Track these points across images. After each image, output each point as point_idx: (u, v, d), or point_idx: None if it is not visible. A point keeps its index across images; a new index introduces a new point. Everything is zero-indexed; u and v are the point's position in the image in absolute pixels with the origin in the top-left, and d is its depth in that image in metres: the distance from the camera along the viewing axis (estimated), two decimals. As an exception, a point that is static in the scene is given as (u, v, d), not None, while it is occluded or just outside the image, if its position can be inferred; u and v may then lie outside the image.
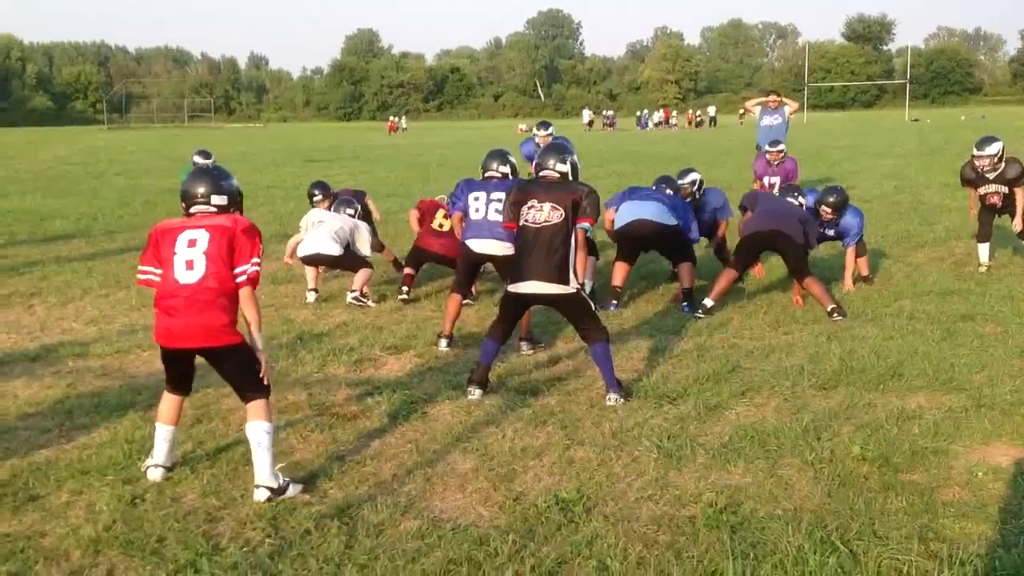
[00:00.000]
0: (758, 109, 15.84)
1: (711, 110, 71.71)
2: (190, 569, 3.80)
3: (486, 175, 7.42)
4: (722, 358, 6.72)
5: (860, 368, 6.29)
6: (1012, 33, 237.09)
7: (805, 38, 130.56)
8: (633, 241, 8.77)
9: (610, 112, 75.54)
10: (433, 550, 3.91)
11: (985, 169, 9.36)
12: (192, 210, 4.72)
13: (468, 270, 7.53)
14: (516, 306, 6.22)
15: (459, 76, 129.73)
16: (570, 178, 6.14)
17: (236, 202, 4.83)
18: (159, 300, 4.65)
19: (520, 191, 6.18)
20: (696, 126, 65.33)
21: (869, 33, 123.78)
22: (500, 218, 6.69)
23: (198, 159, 10.35)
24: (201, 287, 4.50)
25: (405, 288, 9.02)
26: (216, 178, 4.82)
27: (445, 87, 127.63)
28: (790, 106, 15.96)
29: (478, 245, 7.22)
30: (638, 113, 72.28)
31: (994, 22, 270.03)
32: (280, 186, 22.04)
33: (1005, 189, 9.39)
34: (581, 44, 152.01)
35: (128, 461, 4.93)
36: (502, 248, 6.90)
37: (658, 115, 70.90)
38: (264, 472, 4.54)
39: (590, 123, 68.88)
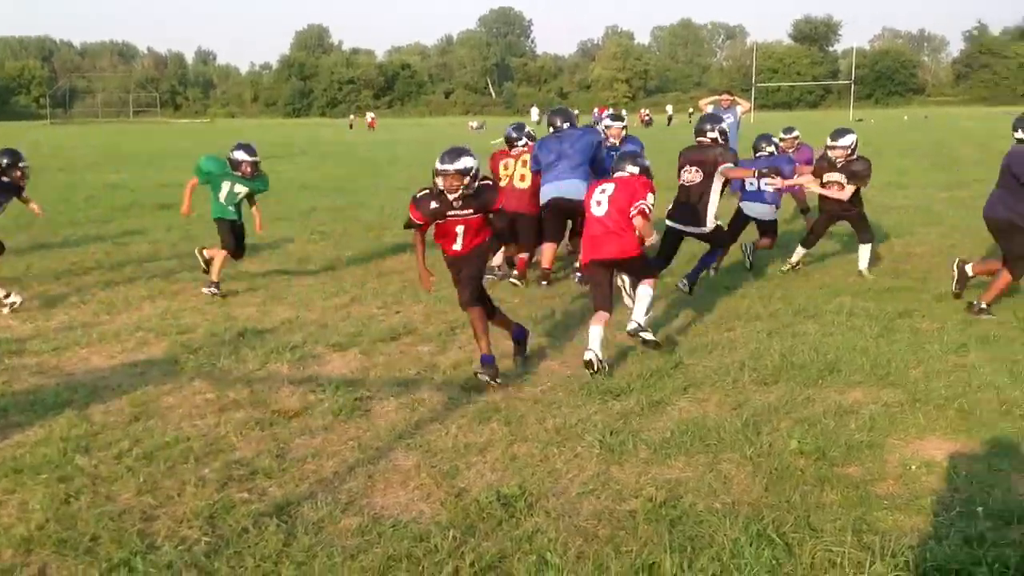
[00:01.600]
0: (711, 108, 16.00)
1: (669, 109, 72.18)
2: (124, 568, 3.75)
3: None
4: (666, 354, 6.77)
5: (800, 364, 6.37)
6: (956, 35, 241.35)
7: (753, 39, 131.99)
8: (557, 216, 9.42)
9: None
10: (373, 547, 3.90)
11: (838, 160, 9.41)
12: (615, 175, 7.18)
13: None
14: (672, 240, 8.60)
15: (410, 73, 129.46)
16: (719, 142, 8.45)
17: (647, 173, 7.16)
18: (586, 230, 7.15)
19: (681, 155, 8.62)
20: (646, 125, 65.60)
21: (815, 34, 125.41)
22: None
23: (240, 154, 9.14)
24: (604, 219, 6.83)
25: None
26: (634, 156, 7.38)
27: (396, 84, 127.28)
28: (742, 106, 16.15)
29: None
30: (596, 110, 72.59)
31: (938, 23, 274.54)
32: (227, 182, 21.80)
33: (844, 180, 9.41)
34: (532, 42, 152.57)
35: (63, 459, 4.85)
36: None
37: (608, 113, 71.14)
38: (639, 314, 6.82)
39: (539, 121, 68.97)
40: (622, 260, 6.94)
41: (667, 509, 4.21)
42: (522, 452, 4.98)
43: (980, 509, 4.06)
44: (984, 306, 7.75)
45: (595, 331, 6.49)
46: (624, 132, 10.92)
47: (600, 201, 6.91)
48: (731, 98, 16.01)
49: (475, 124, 67.85)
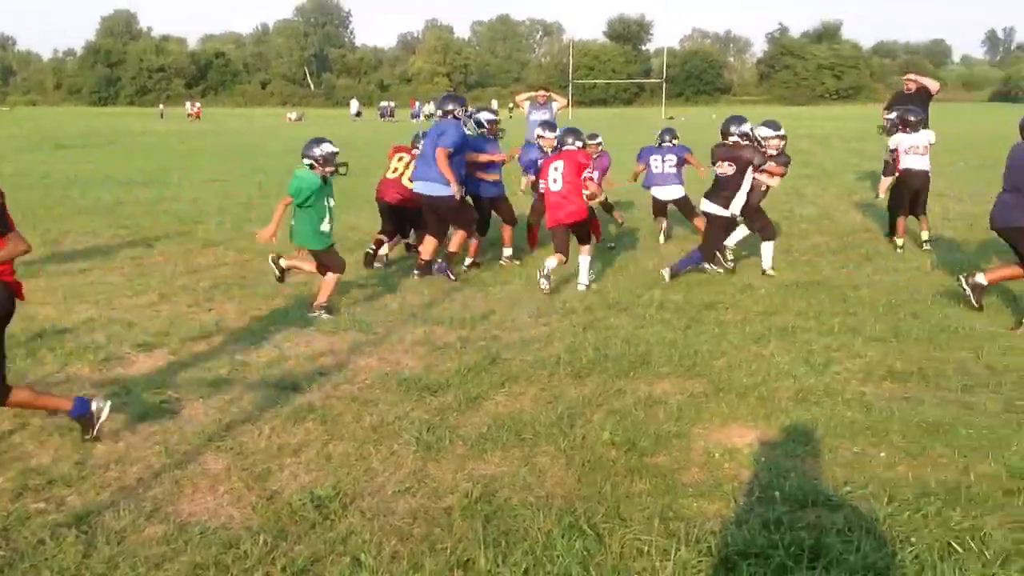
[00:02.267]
0: (527, 104, 16.18)
1: (494, 103, 72.92)
2: (-97, 591, 3.49)
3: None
4: (484, 349, 6.82)
5: (613, 356, 6.54)
6: (760, 36, 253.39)
7: (570, 36, 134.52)
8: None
9: (387, 103, 75.05)
10: (178, 555, 3.76)
11: (774, 149, 9.92)
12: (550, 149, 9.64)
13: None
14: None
15: (224, 61, 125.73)
16: (741, 143, 9.32)
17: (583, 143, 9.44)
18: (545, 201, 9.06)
19: (713, 152, 9.49)
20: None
21: (629, 33, 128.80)
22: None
23: (329, 147, 7.74)
24: (561, 192, 8.77)
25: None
26: (577, 131, 9.39)
27: (209, 73, 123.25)
28: (558, 102, 16.40)
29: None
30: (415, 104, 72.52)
31: (743, 25, 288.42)
32: (25, 174, 20.59)
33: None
34: (351, 33, 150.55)
35: None
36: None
37: (429, 107, 71.19)
38: (584, 276, 8.95)
39: (358, 113, 68.42)
40: (576, 223, 8.84)
41: (482, 504, 4.24)
42: (338, 452, 4.92)
43: (777, 494, 4.27)
44: (983, 282, 7.74)
45: (550, 262, 8.68)
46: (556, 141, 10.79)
47: (556, 179, 8.81)
48: (547, 94, 16.24)
49: (294, 116, 66.49)
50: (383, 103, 74.91)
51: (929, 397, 5.68)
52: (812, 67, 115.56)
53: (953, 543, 3.78)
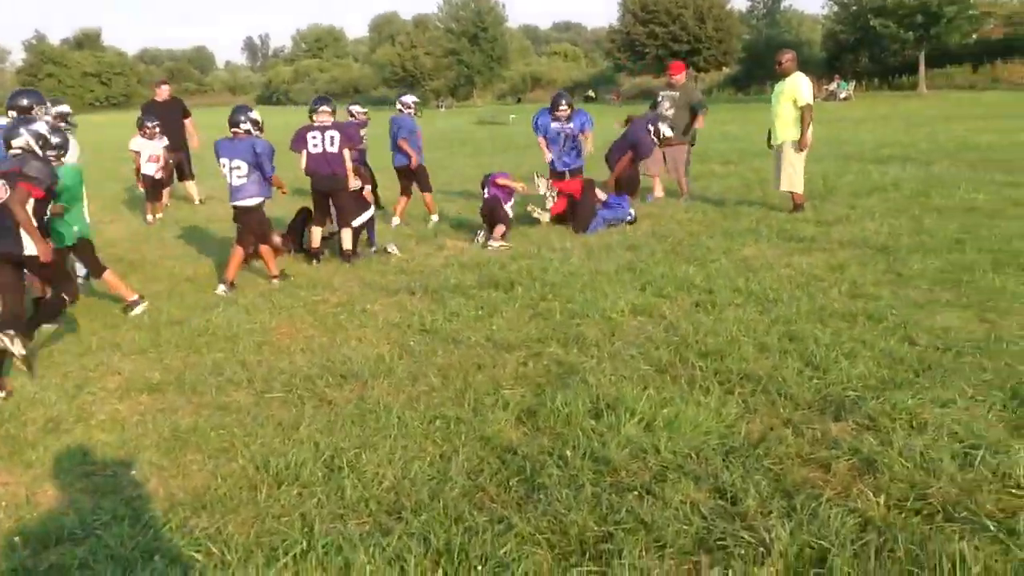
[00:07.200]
0: None
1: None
2: None
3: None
4: None
5: None
6: (17, 44, 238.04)
7: None
8: None
9: None
10: None
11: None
12: None
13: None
14: None
15: None
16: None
17: None
18: None
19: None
20: None
21: None
22: None
23: None
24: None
25: None
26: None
27: None
28: None
29: None
30: None
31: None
32: None
33: None
34: None
35: None
36: None
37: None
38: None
39: None
40: None
41: None
42: None
43: (17, 539, 3.94)
44: None
45: None
46: None
47: None
48: None
49: None
50: None
51: (185, 404, 5.68)
52: (77, 75, 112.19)
53: (195, 553, 3.76)
